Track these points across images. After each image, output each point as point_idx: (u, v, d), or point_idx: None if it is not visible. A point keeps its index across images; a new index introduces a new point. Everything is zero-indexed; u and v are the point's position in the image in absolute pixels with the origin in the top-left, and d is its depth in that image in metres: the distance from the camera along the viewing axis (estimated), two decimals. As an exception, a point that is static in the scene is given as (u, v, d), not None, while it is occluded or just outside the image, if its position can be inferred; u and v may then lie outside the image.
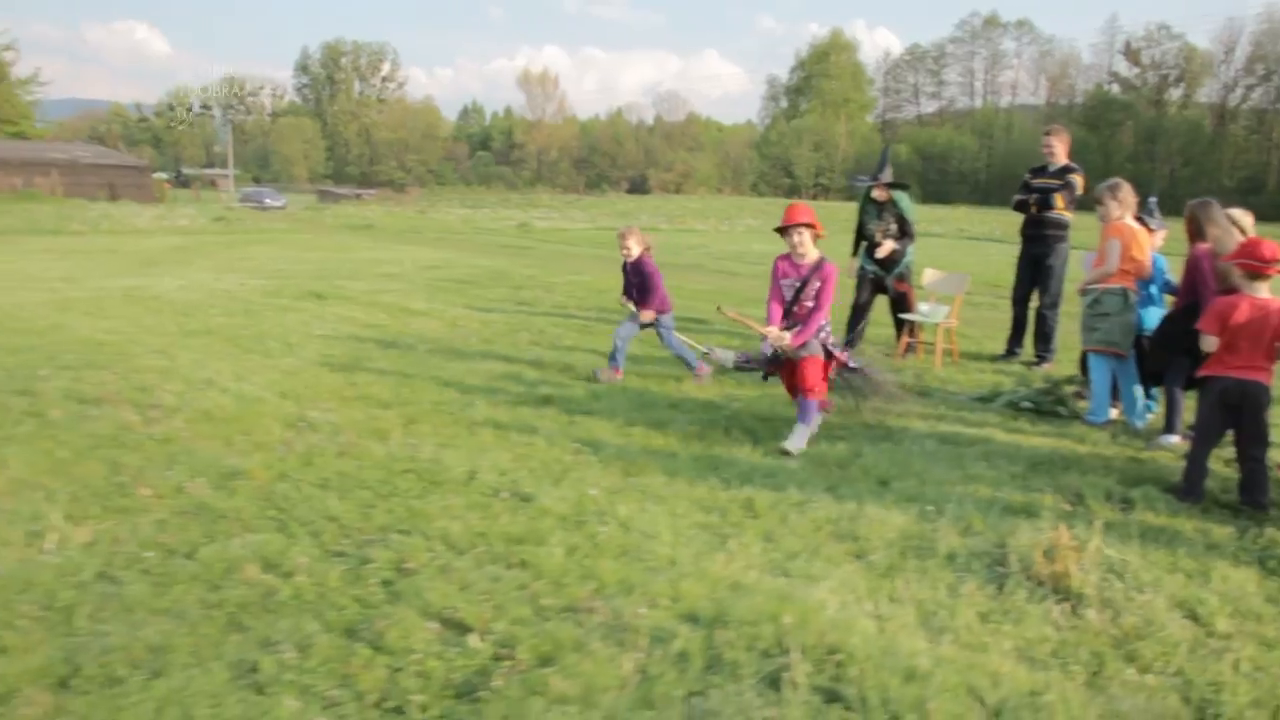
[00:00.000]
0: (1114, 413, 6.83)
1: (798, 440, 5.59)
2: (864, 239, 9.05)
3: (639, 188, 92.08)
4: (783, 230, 5.83)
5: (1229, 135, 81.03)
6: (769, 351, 5.83)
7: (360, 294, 12.65)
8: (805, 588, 3.65)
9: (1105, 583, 3.73)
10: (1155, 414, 6.72)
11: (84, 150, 61.70)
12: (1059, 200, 8.78)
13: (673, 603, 3.48)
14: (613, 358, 7.72)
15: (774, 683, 2.95)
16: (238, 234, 28.15)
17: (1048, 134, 9.11)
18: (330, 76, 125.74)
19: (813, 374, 5.67)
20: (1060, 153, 8.92)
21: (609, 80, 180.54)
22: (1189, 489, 4.89)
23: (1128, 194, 6.72)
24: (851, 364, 6.03)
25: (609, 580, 3.64)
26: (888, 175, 8.87)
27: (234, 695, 2.82)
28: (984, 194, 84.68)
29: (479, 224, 37.05)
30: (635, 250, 7.71)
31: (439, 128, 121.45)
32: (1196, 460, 4.93)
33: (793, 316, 5.84)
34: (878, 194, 8.89)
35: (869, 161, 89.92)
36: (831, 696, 2.88)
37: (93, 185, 54.61)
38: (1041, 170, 9.07)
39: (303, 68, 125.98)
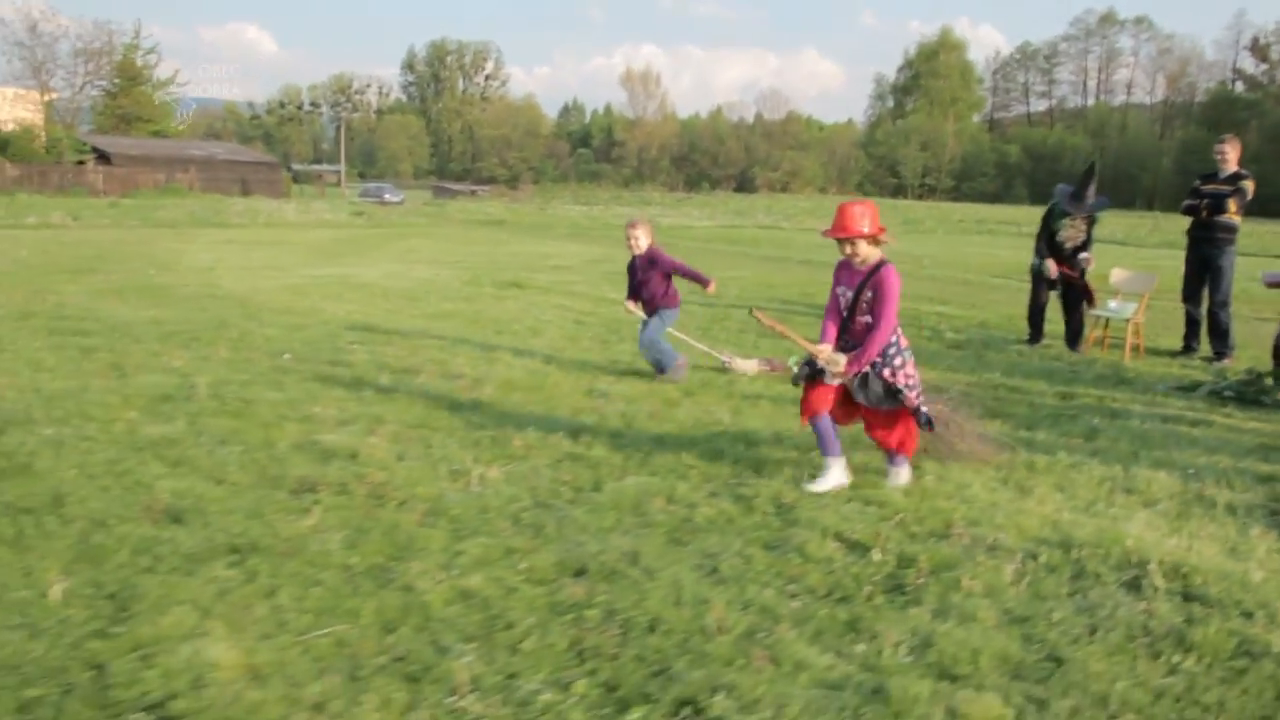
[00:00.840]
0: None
1: (897, 478, 4.91)
2: (1052, 243, 9.58)
3: (745, 186, 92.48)
4: (839, 244, 4.67)
5: (1362, 136, 77.93)
6: (805, 372, 4.81)
7: (553, 284, 13.70)
8: (1119, 524, 4.41)
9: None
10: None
11: (219, 148, 64.97)
12: (1231, 205, 9.28)
13: (1018, 531, 4.27)
14: (660, 368, 7.36)
15: (1135, 587, 3.72)
16: (384, 228, 29.73)
17: (1221, 142, 9.65)
18: (435, 75, 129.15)
19: (900, 429, 4.79)
20: (1232, 159, 9.46)
21: (706, 77, 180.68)
22: None
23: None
24: (927, 417, 4.81)
25: (955, 514, 4.45)
26: (1091, 196, 9.40)
27: (711, 587, 3.68)
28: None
29: (604, 220, 38.17)
30: (645, 242, 7.39)
31: (540, 125, 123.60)
32: None
33: (849, 334, 4.71)
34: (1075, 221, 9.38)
35: (975, 163, 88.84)
36: (1188, 596, 3.64)
37: (227, 181, 57.46)
38: (1212, 176, 9.59)
39: (409, 66, 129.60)
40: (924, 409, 4.75)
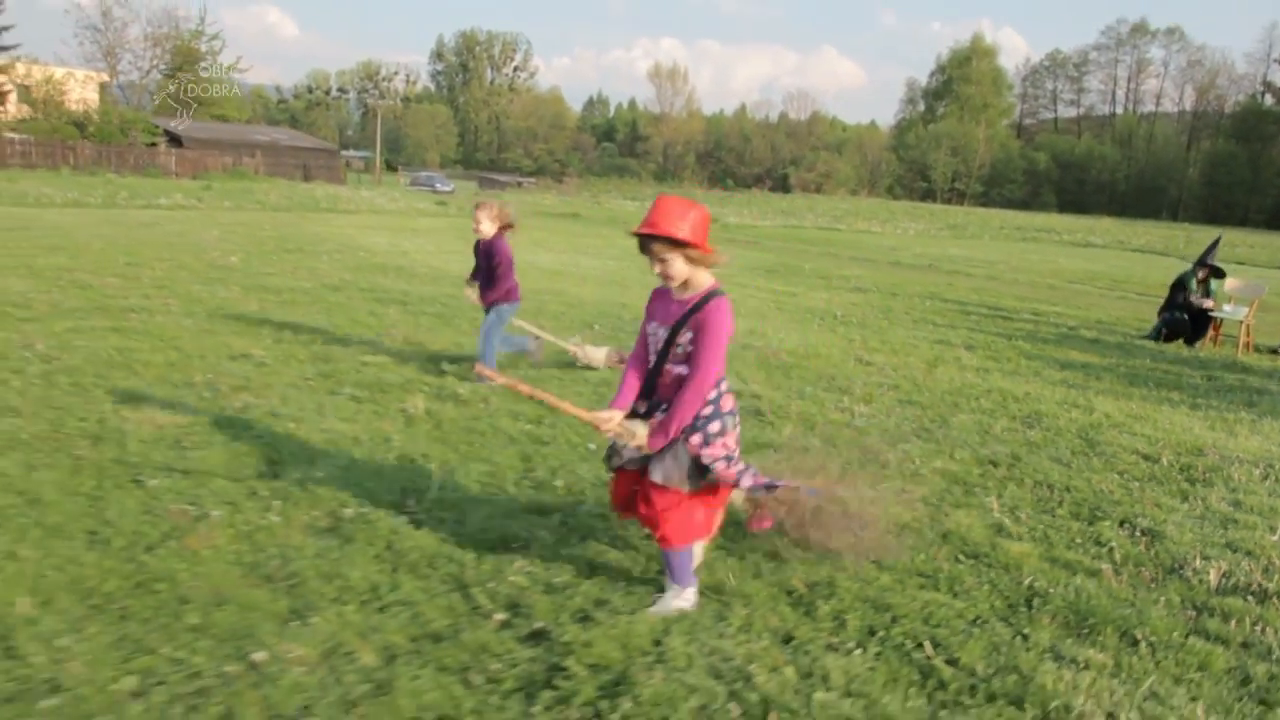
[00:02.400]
0: None
1: (665, 604, 3.55)
2: (1179, 300, 11.86)
3: (780, 186, 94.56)
4: (641, 244, 3.33)
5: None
6: (622, 446, 3.51)
7: (721, 275, 15.85)
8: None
9: None
10: None
11: (280, 133, 67.26)
12: None
13: (1246, 451, 6.43)
14: (483, 355, 7.07)
15: (1344, 484, 5.88)
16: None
17: None
18: (464, 64, 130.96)
19: (672, 515, 3.43)
20: None
21: (725, 73, 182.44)
22: None
23: None
24: (767, 483, 3.67)
25: (1202, 442, 6.61)
26: (1212, 259, 11.92)
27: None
28: (1122, 205, 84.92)
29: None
30: (488, 229, 6.92)
31: (566, 118, 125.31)
32: None
33: (657, 390, 3.46)
34: (1201, 274, 11.67)
35: (1004, 169, 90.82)
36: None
37: (290, 166, 59.58)
38: None
39: (438, 55, 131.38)
40: (755, 478, 3.58)
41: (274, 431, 5.45)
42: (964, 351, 10.07)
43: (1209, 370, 10.07)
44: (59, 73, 59.00)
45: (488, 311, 7.10)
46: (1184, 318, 11.88)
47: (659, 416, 3.40)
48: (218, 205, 28.82)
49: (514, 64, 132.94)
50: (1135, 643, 3.54)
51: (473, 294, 7.21)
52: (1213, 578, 4.20)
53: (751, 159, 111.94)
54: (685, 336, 3.33)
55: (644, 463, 3.44)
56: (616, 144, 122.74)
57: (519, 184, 73.48)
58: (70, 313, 8.70)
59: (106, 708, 2.76)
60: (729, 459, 3.46)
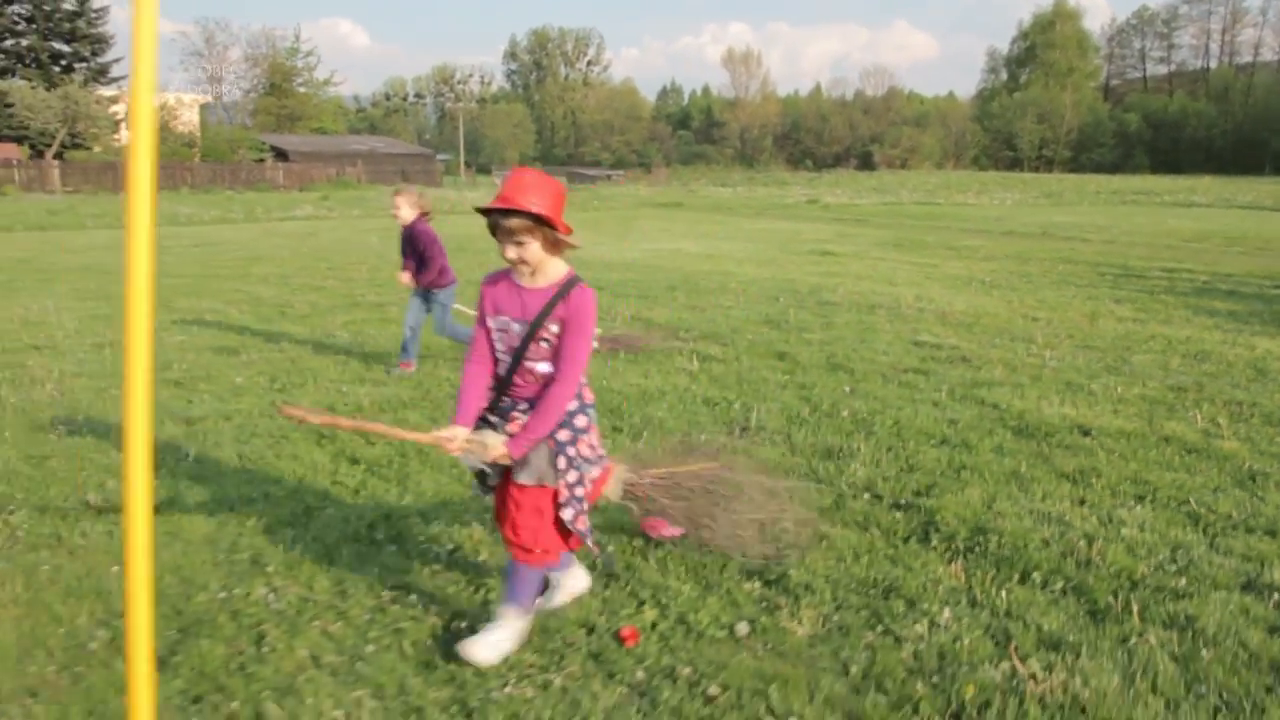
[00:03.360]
0: None
1: (488, 648, 3.10)
2: None
3: (865, 163, 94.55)
4: (492, 225, 2.92)
5: None
6: (477, 466, 3.13)
7: (849, 252, 16.98)
8: None
9: None
10: None
11: (378, 142, 69.91)
12: None
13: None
14: (404, 349, 7.24)
15: None
16: (590, 212, 33.32)
17: None
18: (538, 62, 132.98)
19: (532, 523, 3.08)
20: None
21: (796, 54, 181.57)
22: None
23: None
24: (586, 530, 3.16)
25: (1360, 368, 7.58)
26: None
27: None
28: (1221, 163, 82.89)
29: (769, 200, 41.33)
30: (407, 214, 6.84)
31: (640, 108, 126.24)
32: None
33: (511, 389, 3.08)
34: None
35: (1092, 133, 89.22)
36: None
37: (389, 173, 61.94)
38: None
39: (511, 55, 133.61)
40: (582, 516, 3.13)
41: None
42: (1114, 305, 11.06)
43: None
44: (171, 98, 62.22)
45: (424, 298, 7.23)
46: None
47: (518, 418, 3.05)
48: (345, 214, 30.78)
49: (587, 58, 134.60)
50: (1346, 499, 4.66)
51: (406, 278, 7.15)
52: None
53: (830, 138, 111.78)
54: (551, 329, 2.96)
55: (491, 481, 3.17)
56: (693, 131, 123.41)
57: (608, 177, 74.93)
58: (330, 310, 10.27)
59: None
60: (584, 460, 3.13)
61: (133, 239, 1.83)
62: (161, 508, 4.32)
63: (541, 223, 2.87)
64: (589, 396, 3.20)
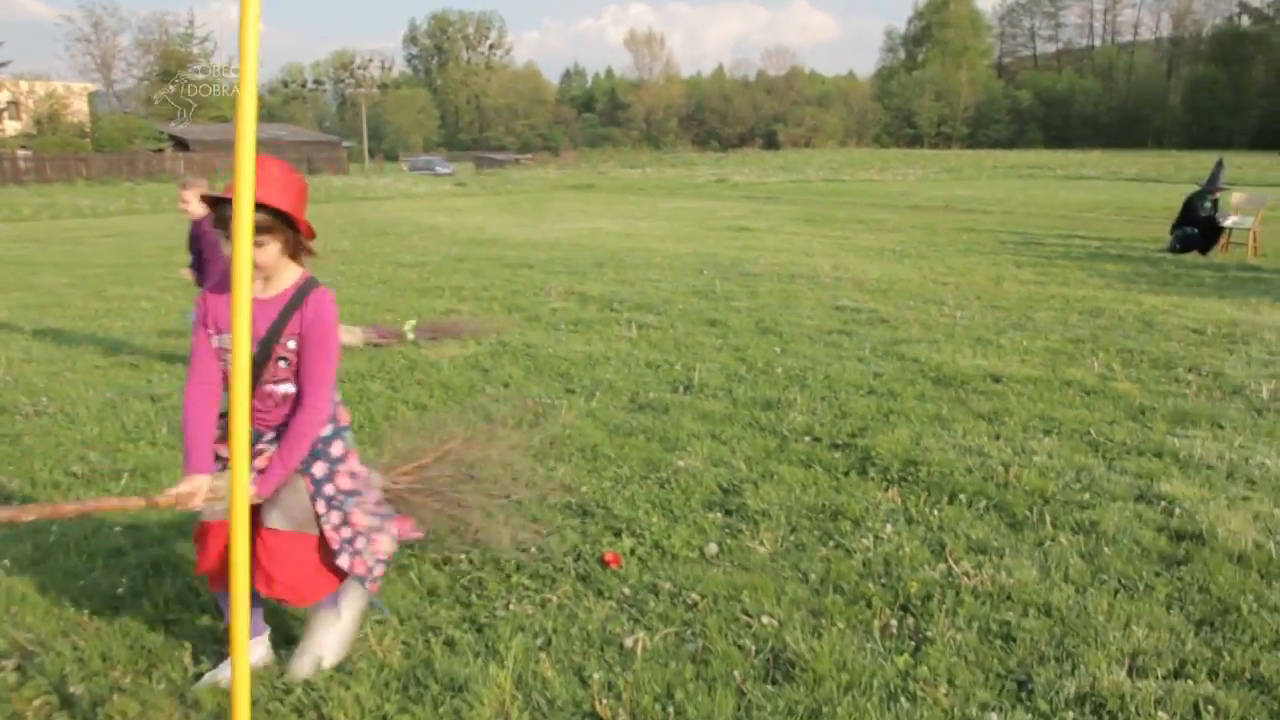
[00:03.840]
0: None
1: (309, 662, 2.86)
2: (1191, 217, 13.48)
3: (770, 143, 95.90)
4: (222, 220, 2.43)
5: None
6: (223, 517, 2.55)
7: (766, 228, 17.56)
8: (1324, 319, 8.34)
9: None
10: None
11: (281, 129, 68.44)
12: None
13: (1266, 323, 8.20)
14: None
15: (1350, 336, 7.64)
16: (504, 195, 33.42)
17: None
18: (439, 46, 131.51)
19: (291, 575, 2.66)
20: None
21: (696, 35, 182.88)
22: None
23: None
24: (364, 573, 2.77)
25: (1220, 317, 8.37)
26: (1221, 183, 13.59)
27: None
28: (1108, 137, 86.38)
29: (675, 180, 41.88)
30: (197, 208, 6.16)
31: (544, 92, 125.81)
32: None
33: (252, 419, 2.43)
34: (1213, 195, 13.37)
35: (988, 110, 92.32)
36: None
37: (293, 160, 59.41)
38: None
39: (411, 39, 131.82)
40: (362, 551, 2.74)
41: (542, 355, 7.16)
42: (1016, 269, 11.81)
43: (1224, 272, 11.80)
44: (60, 87, 59.93)
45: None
46: (1194, 232, 13.60)
47: (265, 450, 2.58)
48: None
49: (489, 42, 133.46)
50: (1221, 426, 5.30)
51: (187, 274, 6.53)
52: (1265, 394, 5.96)
53: (735, 118, 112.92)
54: (288, 346, 2.55)
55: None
56: (598, 114, 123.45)
57: (517, 160, 74.78)
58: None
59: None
60: (345, 496, 2.73)
61: (238, 248, 1.97)
62: (140, 477, 4.55)
63: (284, 221, 2.49)
64: (344, 417, 2.79)
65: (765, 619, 3.19)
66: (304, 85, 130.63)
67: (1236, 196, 14.10)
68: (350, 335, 7.14)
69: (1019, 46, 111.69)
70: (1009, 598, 3.32)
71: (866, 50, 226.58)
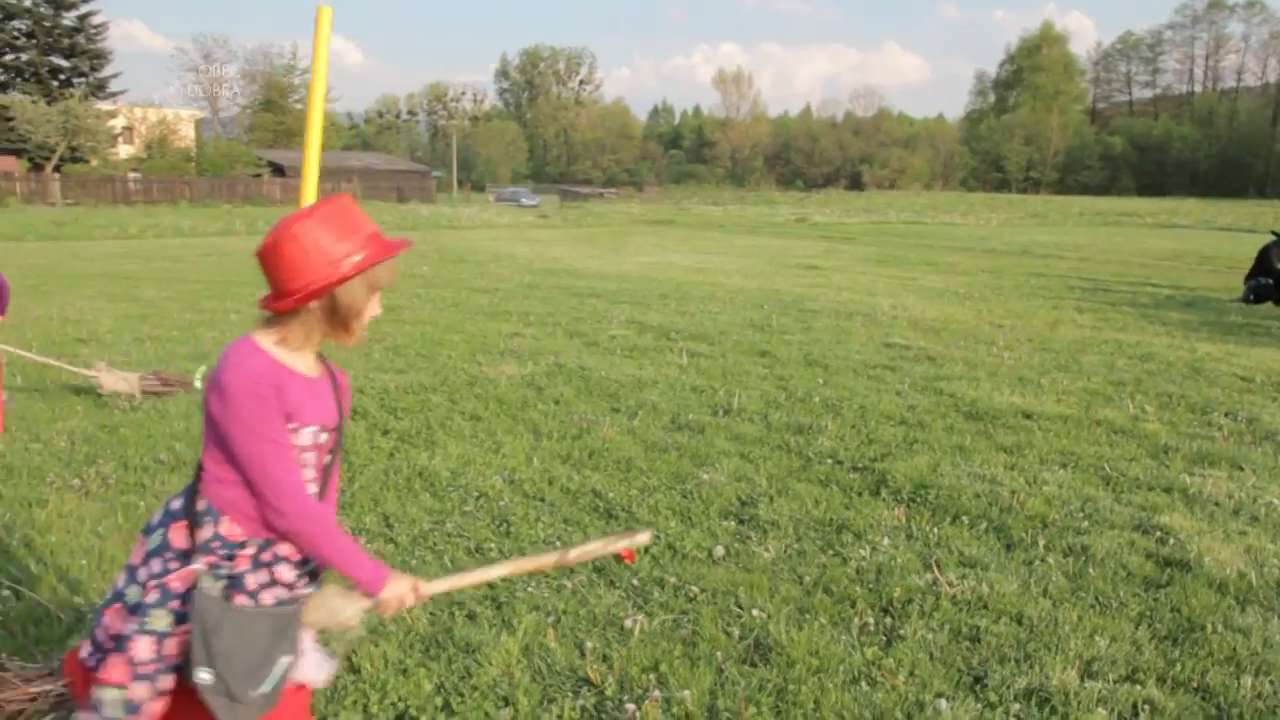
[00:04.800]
0: None
1: None
2: (1266, 267, 13.36)
3: (854, 184, 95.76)
4: (370, 281, 1.95)
5: None
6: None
7: (835, 266, 17.81)
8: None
9: None
10: None
11: (375, 158, 70.82)
12: None
13: (1326, 373, 8.21)
14: None
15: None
16: (594, 227, 34.16)
17: None
18: (530, 81, 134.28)
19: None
20: None
21: (787, 75, 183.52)
22: None
23: None
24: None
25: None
26: None
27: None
28: (1205, 185, 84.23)
29: (753, 218, 42.27)
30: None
31: (632, 127, 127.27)
32: None
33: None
34: None
35: (1079, 155, 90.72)
36: None
37: (385, 189, 62.80)
38: None
39: (503, 73, 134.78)
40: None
41: (594, 377, 7.57)
42: (1077, 314, 11.87)
43: (1294, 321, 11.71)
44: (170, 114, 62.99)
45: None
46: (1269, 283, 13.48)
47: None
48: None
49: (579, 78, 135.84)
50: (1241, 468, 5.44)
51: None
52: (1295, 440, 6.06)
53: (820, 159, 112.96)
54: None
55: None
56: (684, 151, 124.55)
57: (601, 194, 75.92)
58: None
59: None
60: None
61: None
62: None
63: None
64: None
65: (755, 612, 3.51)
66: (398, 116, 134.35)
67: (1311, 249, 13.90)
68: (125, 383, 6.52)
69: (1114, 92, 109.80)
70: (985, 606, 3.59)
71: (956, 93, 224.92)
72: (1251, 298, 13.57)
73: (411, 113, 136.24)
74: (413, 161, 77.51)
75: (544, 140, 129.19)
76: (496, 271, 16.12)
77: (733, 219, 41.79)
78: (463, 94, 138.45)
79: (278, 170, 61.85)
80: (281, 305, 1.90)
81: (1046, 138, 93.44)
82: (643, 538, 2.40)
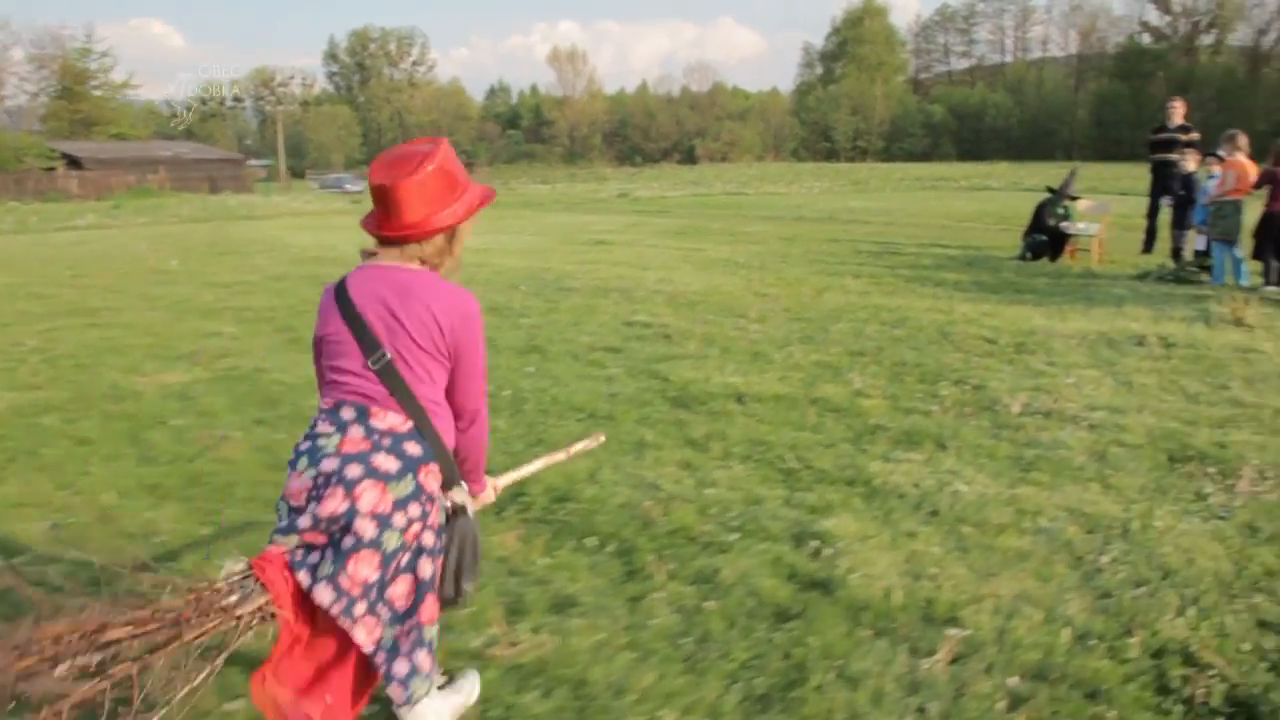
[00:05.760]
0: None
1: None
2: (1041, 224, 13.39)
3: (688, 158, 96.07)
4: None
5: (1262, 79, 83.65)
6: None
7: (628, 240, 17.08)
8: (1125, 325, 8.01)
9: (1265, 318, 8.08)
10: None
11: (184, 147, 66.48)
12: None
13: (1070, 331, 7.85)
14: None
15: (1140, 343, 7.30)
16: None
17: (1171, 99, 13.53)
18: (360, 63, 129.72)
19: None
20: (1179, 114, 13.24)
21: (625, 52, 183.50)
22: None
23: (1243, 141, 10.96)
24: None
25: (1034, 326, 8.02)
26: (1071, 190, 13.60)
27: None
28: (1018, 149, 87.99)
29: (580, 195, 41.41)
30: None
31: (468, 108, 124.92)
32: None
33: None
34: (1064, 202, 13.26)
35: (903, 124, 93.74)
36: (1168, 344, 7.23)
37: (195, 179, 59.15)
38: (1162, 128, 13.32)
39: (331, 56, 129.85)
40: None
41: (264, 380, 6.49)
42: (850, 280, 11.39)
43: (1060, 279, 11.53)
44: (-56, 104, 57.59)
45: None
46: (1044, 239, 13.41)
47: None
48: (131, 222, 29.11)
49: (411, 59, 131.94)
50: (945, 447, 4.82)
51: None
52: (1015, 407, 5.52)
53: (658, 134, 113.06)
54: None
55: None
56: (522, 130, 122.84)
57: (430, 177, 73.48)
58: (41, 317, 9.55)
59: (197, 544, 3.84)
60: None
61: None
62: None
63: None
64: None
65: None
66: (222, 102, 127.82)
67: (1083, 204, 13.94)
68: None
69: (934, 62, 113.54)
70: (541, 673, 2.74)
71: (791, 66, 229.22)
72: (1028, 255, 13.49)
73: (237, 99, 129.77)
74: (239, 149, 73.05)
75: (378, 124, 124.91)
76: (257, 264, 14.67)
77: (555, 197, 40.80)
78: (291, 78, 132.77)
79: (74, 163, 57.36)
80: (428, 229, 2.19)
81: (872, 107, 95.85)
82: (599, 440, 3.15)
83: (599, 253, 15.13)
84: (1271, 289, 10.37)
